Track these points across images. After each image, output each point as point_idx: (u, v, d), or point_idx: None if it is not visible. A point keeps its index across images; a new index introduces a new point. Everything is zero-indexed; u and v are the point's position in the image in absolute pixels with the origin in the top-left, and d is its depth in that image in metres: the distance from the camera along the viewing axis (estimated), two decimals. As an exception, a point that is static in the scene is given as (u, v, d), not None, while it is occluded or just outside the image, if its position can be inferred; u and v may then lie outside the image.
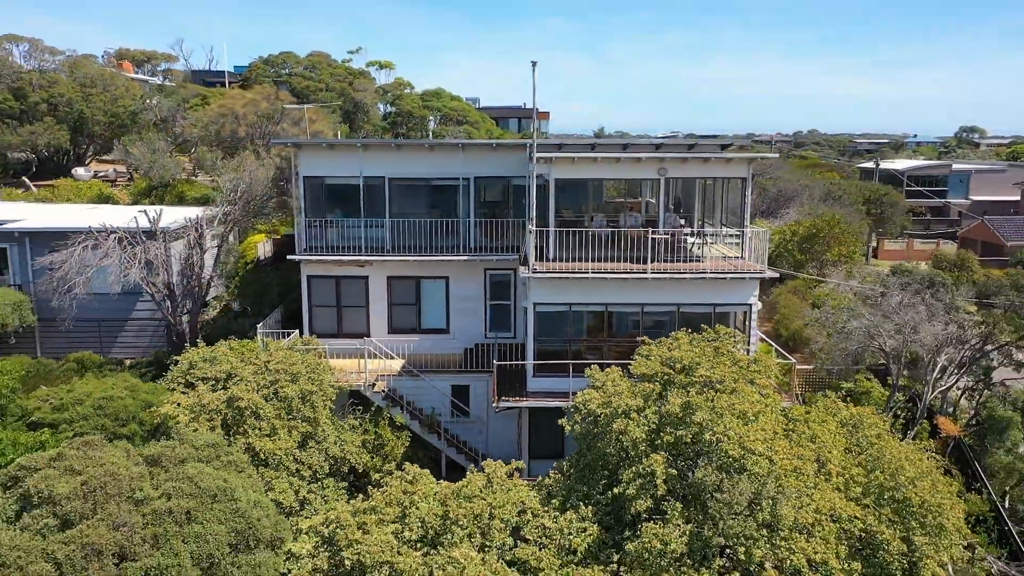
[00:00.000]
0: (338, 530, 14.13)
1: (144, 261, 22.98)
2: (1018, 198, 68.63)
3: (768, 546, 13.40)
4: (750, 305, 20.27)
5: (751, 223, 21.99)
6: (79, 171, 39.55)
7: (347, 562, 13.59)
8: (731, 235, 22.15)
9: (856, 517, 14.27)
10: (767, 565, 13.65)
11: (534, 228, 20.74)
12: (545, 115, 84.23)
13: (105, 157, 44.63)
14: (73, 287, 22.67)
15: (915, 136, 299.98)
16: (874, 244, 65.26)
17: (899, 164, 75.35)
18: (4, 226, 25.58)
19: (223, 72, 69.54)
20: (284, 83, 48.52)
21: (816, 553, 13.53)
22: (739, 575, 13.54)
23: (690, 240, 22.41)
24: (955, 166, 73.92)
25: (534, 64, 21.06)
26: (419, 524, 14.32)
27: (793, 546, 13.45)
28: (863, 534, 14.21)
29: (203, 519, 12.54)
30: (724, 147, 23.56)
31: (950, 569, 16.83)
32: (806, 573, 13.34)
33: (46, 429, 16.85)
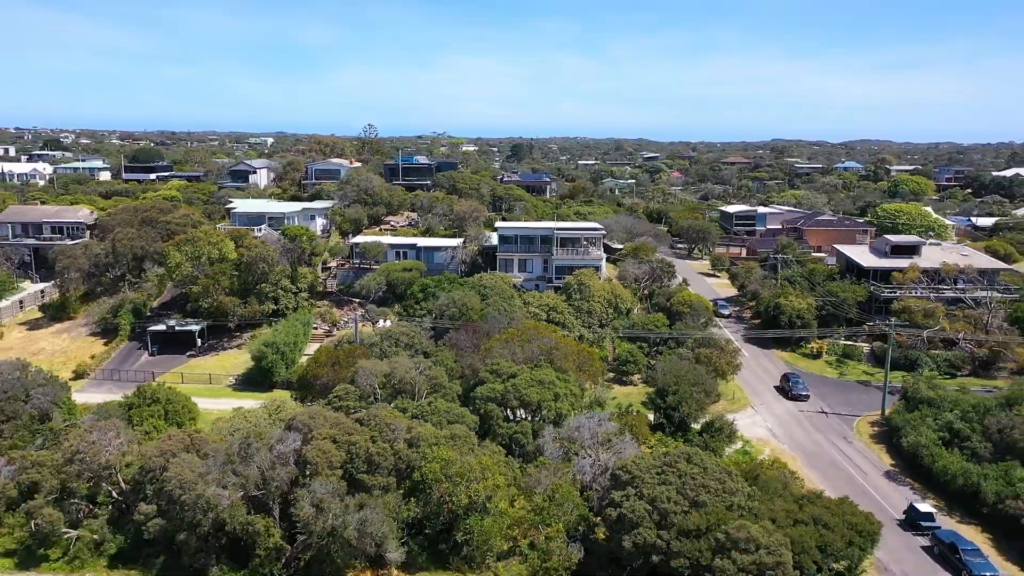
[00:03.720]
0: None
1: (465, 254, 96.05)
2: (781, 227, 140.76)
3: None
4: (601, 264, 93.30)
5: (623, 243, 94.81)
6: (393, 222, 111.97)
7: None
8: (601, 249, 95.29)
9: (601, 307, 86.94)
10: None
11: (553, 247, 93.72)
12: (550, 182, 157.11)
13: (389, 216, 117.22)
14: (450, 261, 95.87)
15: (844, 163, 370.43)
16: (712, 249, 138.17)
17: (732, 209, 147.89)
18: (415, 244, 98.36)
19: (397, 165, 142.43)
20: (451, 185, 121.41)
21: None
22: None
23: (591, 251, 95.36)
24: (759, 210, 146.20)
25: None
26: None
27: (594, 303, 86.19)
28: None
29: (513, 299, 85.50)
30: (605, 235, 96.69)
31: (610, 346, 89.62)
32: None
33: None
